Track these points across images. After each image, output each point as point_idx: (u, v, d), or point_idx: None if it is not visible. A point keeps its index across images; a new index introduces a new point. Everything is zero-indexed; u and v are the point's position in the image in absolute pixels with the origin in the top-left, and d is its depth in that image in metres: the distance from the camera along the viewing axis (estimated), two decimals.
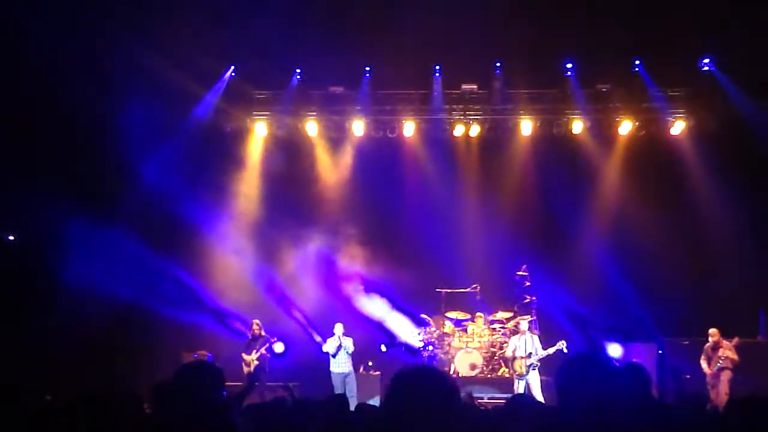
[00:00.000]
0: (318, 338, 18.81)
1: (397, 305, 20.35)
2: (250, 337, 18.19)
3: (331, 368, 17.75)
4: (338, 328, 17.86)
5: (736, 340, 16.88)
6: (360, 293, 20.35)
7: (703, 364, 16.91)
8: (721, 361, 16.63)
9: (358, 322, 19.76)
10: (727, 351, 16.65)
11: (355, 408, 6.73)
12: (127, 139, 18.29)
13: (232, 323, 19.88)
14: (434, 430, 3.43)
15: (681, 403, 8.72)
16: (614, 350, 19.10)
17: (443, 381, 3.59)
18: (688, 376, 17.51)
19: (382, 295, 20.43)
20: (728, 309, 17.55)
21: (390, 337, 20.17)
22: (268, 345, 18.08)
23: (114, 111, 18.01)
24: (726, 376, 16.56)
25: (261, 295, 19.96)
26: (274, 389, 17.00)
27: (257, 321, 18.32)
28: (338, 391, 16.93)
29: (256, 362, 17.82)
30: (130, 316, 18.49)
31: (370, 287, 20.44)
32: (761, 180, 18.84)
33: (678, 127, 20.44)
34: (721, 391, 16.26)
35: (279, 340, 18.94)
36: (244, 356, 17.93)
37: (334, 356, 17.71)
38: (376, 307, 20.35)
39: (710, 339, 16.92)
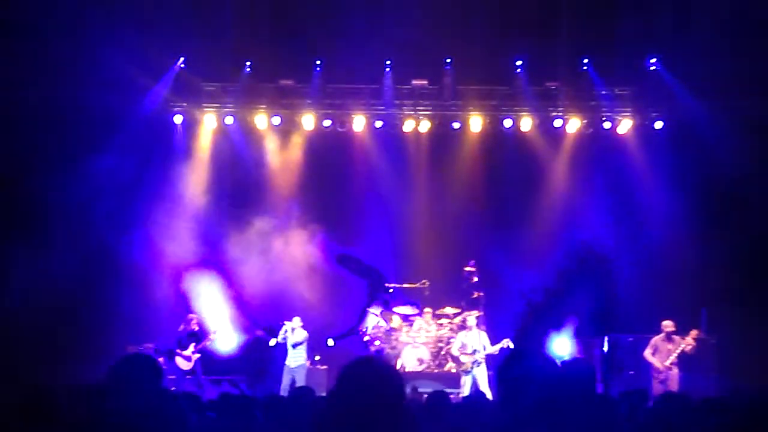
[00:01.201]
0: (273, 342, 18.54)
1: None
2: (184, 331, 17.88)
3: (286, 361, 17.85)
4: (294, 321, 17.91)
5: (695, 332, 16.54)
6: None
7: (651, 358, 16.54)
8: (674, 355, 16.30)
9: (312, 311, 19.59)
10: (686, 346, 16.31)
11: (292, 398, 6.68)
12: (74, 129, 18.13)
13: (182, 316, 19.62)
14: (377, 422, 3.45)
15: (624, 398, 8.82)
16: (560, 346, 19.22)
17: (388, 372, 3.60)
18: (631, 372, 17.68)
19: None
20: (671, 306, 17.70)
21: (345, 328, 19.98)
22: (209, 340, 17.91)
23: (61, 101, 17.80)
24: (677, 373, 16.35)
25: (207, 288, 19.72)
26: (217, 384, 16.97)
27: (194, 315, 18.14)
28: (284, 384, 16.98)
29: (197, 355, 17.64)
30: (75, 309, 18.27)
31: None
32: (705, 178, 19.10)
33: (625, 125, 20.67)
34: (673, 389, 15.66)
35: (221, 333, 18.76)
36: (180, 351, 17.64)
37: (286, 345, 17.78)
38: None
39: (664, 331, 16.54)
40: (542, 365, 4.05)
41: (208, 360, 18.15)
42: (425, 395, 14.86)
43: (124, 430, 4.49)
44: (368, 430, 3.42)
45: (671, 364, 16.40)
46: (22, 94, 17.74)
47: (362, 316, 19.82)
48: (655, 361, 16.54)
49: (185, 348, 17.62)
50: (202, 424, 6.40)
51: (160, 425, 4.72)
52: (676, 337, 16.57)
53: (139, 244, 19.55)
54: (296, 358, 17.73)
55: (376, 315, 19.54)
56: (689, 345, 16.42)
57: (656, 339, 16.71)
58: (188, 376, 17.51)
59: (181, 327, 17.88)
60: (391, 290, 19.88)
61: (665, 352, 16.50)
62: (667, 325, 16.62)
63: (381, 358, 3.63)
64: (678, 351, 16.41)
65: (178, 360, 17.55)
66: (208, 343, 17.83)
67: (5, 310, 17.27)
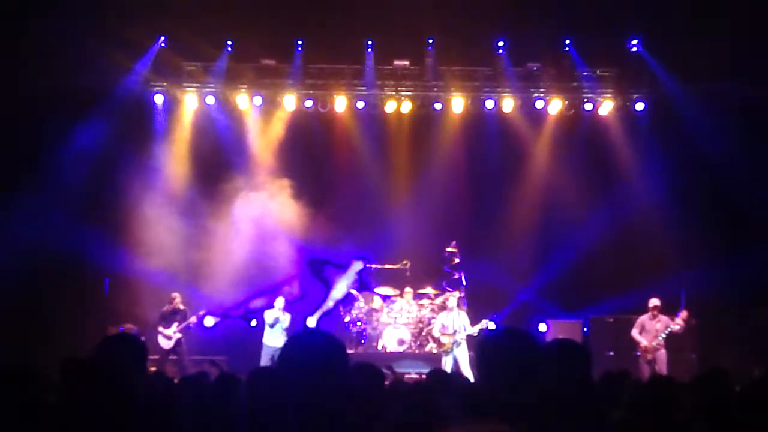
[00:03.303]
0: (254, 322, 18.55)
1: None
2: (168, 310, 17.87)
3: (264, 339, 17.86)
4: (278, 302, 17.97)
5: (685, 313, 16.44)
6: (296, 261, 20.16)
7: (638, 337, 16.40)
8: (663, 335, 16.15)
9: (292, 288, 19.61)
10: (676, 325, 16.20)
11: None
12: (53, 111, 18.07)
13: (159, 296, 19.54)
14: (320, 388, 3.47)
15: (605, 380, 8.81)
16: (539, 327, 19.31)
17: (328, 341, 3.62)
18: (611, 353, 17.78)
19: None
20: (651, 287, 17.67)
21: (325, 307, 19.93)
22: (196, 319, 17.93)
23: (38, 82, 17.72)
24: (665, 353, 16.18)
25: (189, 265, 19.63)
26: (199, 364, 16.95)
27: (177, 294, 18.10)
28: (265, 363, 16.94)
29: (179, 335, 17.66)
30: (52, 288, 18.25)
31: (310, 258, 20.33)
32: (686, 159, 19.20)
33: (606, 107, 20.70)
34: (663, 372, 15.36)
35: (208, 313, 18.79)
36: (162, 330, 17.68)
37: (271, 327, 17.80)
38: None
39: (650, 309, 16.40)
40: (528, 344, 4.03)
41: (190, 340, 18.16)
42: (406, 375, 14.95)
43: (111, 409, 4.48)
44: (312, 402, 3.44)
45: (658, 344, 16.24)
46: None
47: (340, 294, 19.79)
48: (642, 341, 16.38)
49: (168, 326, 17.63)
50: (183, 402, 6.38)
51: (145, 404, 4.72)
52: (662, 316, 16.44)
53: (117, 226, 19.52)
54: (277, 338, 17.75)
55: (356, 296, 19.55)
56: (678, 325, 16.28)
57: (643, 318, 16.58)
58: (171, 356, 17.53)
59: (166, 306, 17.87)
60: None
61: (653, 332, 16.35)
62: (654, 302, 16.51)
63: (322, 331, 3.69)
64: (667, 331, 16.26)
65: (160, 338, 17.58)
66: (192, 321, 17.84)
67: None
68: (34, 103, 17.97)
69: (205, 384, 6.85)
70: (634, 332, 16.58)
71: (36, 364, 5.52)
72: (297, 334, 3.78)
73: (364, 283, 19.89)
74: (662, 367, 16.03)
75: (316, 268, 20.27)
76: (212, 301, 19.20)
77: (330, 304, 19.67)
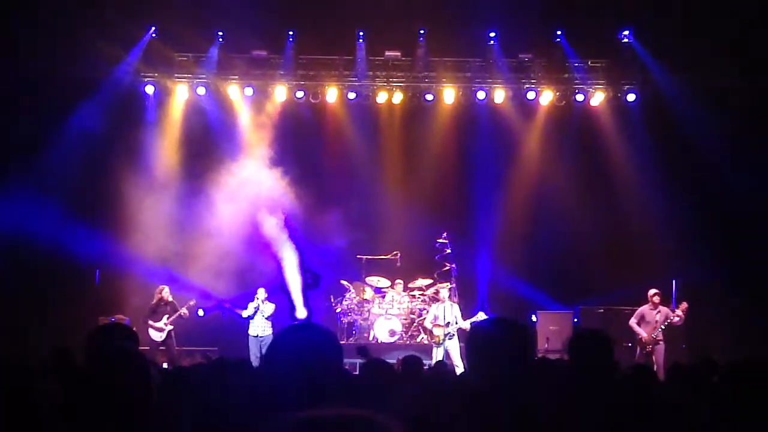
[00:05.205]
0: (244, 313, 18.46)
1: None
2: (155, 303, 17.79)
3: (249, 330, 17.80)
4: (260, 292, 17.91)
5: (684, 305, 16.45)
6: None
7: (638, 328, 16.36)
8: (663, 326, 16.14)
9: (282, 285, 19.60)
10: (675, 317, 16.25)
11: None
12: (44, 101, 18.03)
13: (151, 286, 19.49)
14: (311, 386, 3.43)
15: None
16: (531, 318, 19.34)
17: (325, 337, 3.59)
18: None
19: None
20: (642, 277, 17.73)
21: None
22: (187, 311, 17.87)
23: (30, 73, 17.69)
24: (663, 346, 16.18)
25: (180, 254, 19.59)
26: (191, 354, 16.94)
27: (165, 286, 18.01)
28: (253, 353, 16.97)
29: (170, 327, 17.59)
30: (43, 278, 18.23)
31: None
32: (676, 150, 19.27)
33: (597, 98, 20.71)
34: (660, 364, 15.59)
35: (198, 305, 18.71)
36: (152, 323, 17.61)
37: (251, 318, 17.77)
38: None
39: (651, 300, 16.40)
40: (519, 334, 4.04)
41: (182, 331, 18.12)
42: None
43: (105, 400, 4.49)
44: (303, 395, 3.40)
45: (657, 336, 16.20)
46: None
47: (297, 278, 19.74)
48: (641, 332, 16.35)
49: (158, 319, 17.56)
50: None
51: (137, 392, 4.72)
52: (663, 307, 16.46)
53: (107, 217, 19.50)
54: (258, 327, 17.76)
55: (347, 286, 19.56)
56: (678, 317, 16.31)
57: (643, 308, 16.54)
58: (161, 348, 17.48)
59: (155, 299, 17.80)
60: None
61: (653, 323, 16.32)
62: (654, 294, 16.50)
63: (317, 324, 3.59)
64: (666, 322, 16.26)
65: (151, 331, 17.50)
66: (184, 311, 17.77)
67: None
68: (24, 92, 17.93)
69: (201, 373, 6.87)
70: (633, 322, 16.54)
71: (28, 356, 5.54)
72: (290, 326, 3.72)
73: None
74: (659, 359, 16.00)
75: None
76: (202, 290, 19.14)
77: (296, 290, 19.58)
